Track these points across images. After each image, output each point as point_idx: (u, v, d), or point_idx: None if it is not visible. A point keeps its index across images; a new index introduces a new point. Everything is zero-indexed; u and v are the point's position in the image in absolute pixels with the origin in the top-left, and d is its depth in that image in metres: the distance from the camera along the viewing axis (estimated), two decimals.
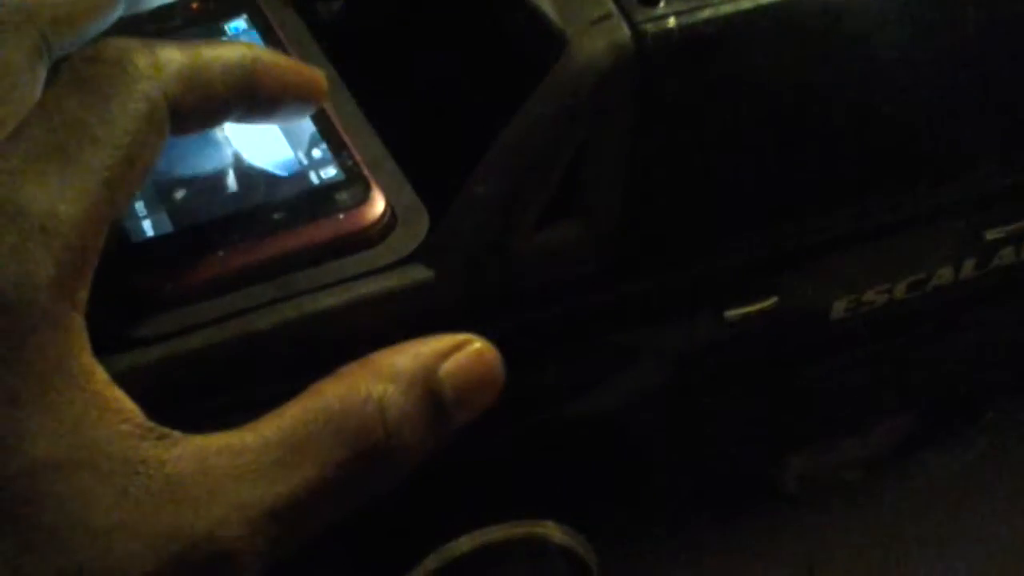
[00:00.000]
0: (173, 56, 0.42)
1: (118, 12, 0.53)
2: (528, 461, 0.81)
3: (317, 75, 0.53)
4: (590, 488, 0.89)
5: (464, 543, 0.81)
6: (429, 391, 0.42)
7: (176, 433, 0.38)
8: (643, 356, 0.76)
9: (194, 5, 0.76)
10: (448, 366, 0.43)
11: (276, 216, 0.61)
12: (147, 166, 0.42)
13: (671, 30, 0.64)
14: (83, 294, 0.40)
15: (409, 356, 0.42)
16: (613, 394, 0.79)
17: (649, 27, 0.64)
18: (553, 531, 0.85)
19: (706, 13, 0.65)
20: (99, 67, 0.40)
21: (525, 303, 0.67)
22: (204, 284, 0.59)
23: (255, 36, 0.74)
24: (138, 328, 0.58)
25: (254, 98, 0.48)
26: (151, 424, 0.38)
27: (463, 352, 0.43)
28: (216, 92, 0.45)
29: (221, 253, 0.60)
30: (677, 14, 0.65)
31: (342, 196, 0.63)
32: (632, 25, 0.64)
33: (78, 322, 0.39)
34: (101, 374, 0.38)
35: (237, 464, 0.37)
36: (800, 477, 1.11)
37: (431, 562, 0.80)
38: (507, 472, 0.81)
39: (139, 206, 0.61)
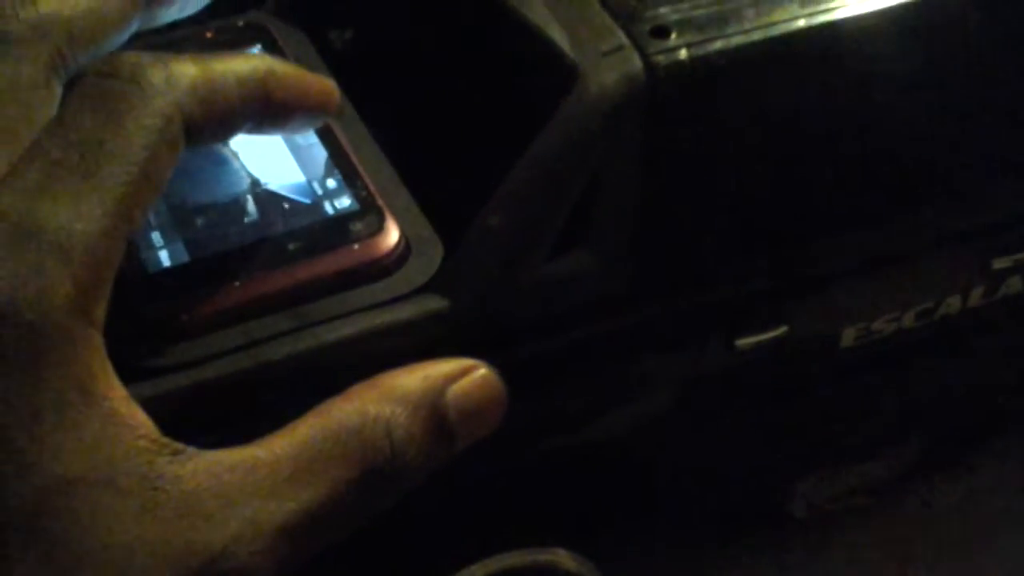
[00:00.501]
0: (187, 70, 0.42)
1: (134, 27, 0.54)
2: (538, 488, 0.81)
3: (329, 85, 0.53)
4: (599, 515, 0.89)
5: (475, 571, 0.81)
6: (435, 414, 0.43)
7: (190, 449, 0.38)
8: (653, 384, 0.77)
9: (208, 33, 0.76)
10: (455, 390, 0.44)
11: (291, 246, 0.61)
12: (163, 181, 0.42)
13: (683, 62, 0.65)
14: (100, 311, 0.40)
15: (418, 379, 0.43)
16: (623, 421, 0.79)
17: (661, 59, 0.64)
18: (563, 558, 0.85)
19: (718, 45, 0.66)
20: (113, 83, 0.41)
21: (537, 332, 0.67)
22: (220, 314, 0.60)
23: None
24: (153, 358, 0.59)
25: (267, 109, 0.48)
26: (166, 440, 0.38)
27: (470, 377, 0.44)
28: (230, 105, 0.45)
29: (237, 283, 0.60)
30: (689, 46, 0.65)
31: (356, 226, 0.63)
32: (644, 57, 0.64)
33: (96, 339, 0.39)
34: (119, 390, 0.39)
35: (250, 480, 0.38)
36: (809, 502, 1.11)
37: None
38: (517, 499, 0.81)
39: (155, 236, 0.61)
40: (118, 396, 0.38)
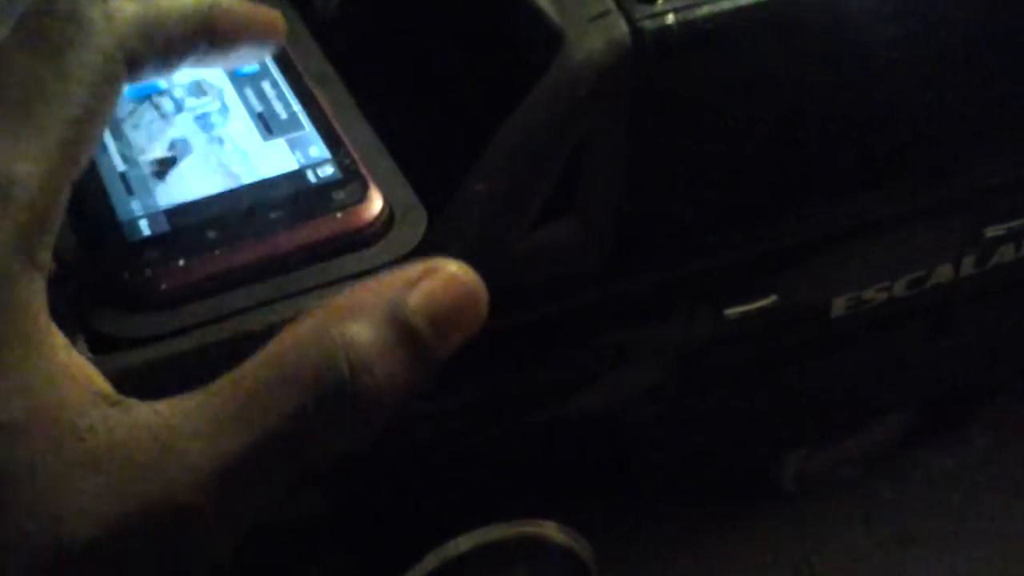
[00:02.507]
0: (126, 6, 0.42)
1: None
2: (527, 461, 0.81)
3: (275, 15, 0.51)
4: (589, 487, 0.89)
5: (463, 542, 0.81)
6: (400, 323, 0.38)
7: (130, 400, 0.37)
8: (642, 354, 0.76)
9: None
10: (418, 294, 0.39)
11: (273, 215, 0.60)
12: (104, 119, 0.41)
13: (669, 26, 0.64)
14: (45, 256, 0.39)
15: (374, 289, 0.39)
16: (612, 392, 0.78)
17: (647, 24, 0.64)
18: (552, 531, 0.85)
19: (704, 10, 0.65)
20: (52, 21, 0.40)
21: (524, 301, 0.66)
22: (200, 284, 0.59)
23: None
24: (134, 328, 0.58)
25: (212, 42, 0.47)
26: (107, 391, 0.37)
27: (435, 278, 0.39)
28: (173, 39, 0.44)
29: (218, 252, 0.59)
30: (675, 11, 0.64)
31: (340, 194, 0.62)
32: (630, 22, 0.64)
33: (39, 283, 0.38)
34: (59, 339, 0.38)
35: (189, 425, 0.36)
36: (799, 475, 1.11)
37: (431, 561, 0.80)
38: (506, 472, 0.81)
39: (136, 206, 0.60)
40: (58, 343, 0.37)
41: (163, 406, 0.36)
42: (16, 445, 0.34)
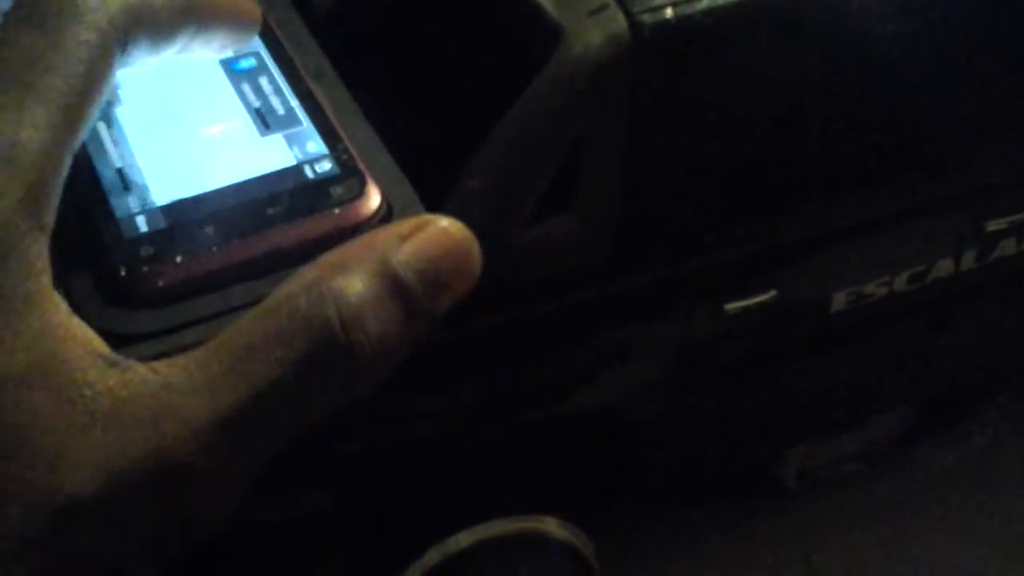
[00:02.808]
0: None
1: None
2: (529, 457, 0.80)
3: (251, 4, 0.52)
4: (590, 484, 0.88)
5: (464, 538, 0.80)
6: (389, 277, 0.38)
7: (129, 360, 0.37)
8: (642, 350, 0.76)
9: None
10: (408, 248, 0.39)
11: (270, 211, 0.60)
12: (101, 95, 0.43)
13: (668, 21, 0.64)
14: (49, 217, 0.40)
15: (363, 245, 0.39)
16: (613, 389, 0.78)
17: (646, 18, 0.63)
18: (553, 527, 0.84)
19: (704, 4, 0.65)
20: (47, 1, 0.42)
21: (522, 298, 0.66)
22: (197, 280, 0.59)
23: None
24: (131, 325, 0.58)
25: (196, 28, 0.49)
26: (105, 352, 0.38)
27: (425, 232, 0.39)
28: (160, 21, 0.46)
29: (215, 249, 0.59)
30: (674, 5, 0.64)
31: (337, 190, 0.62)
32: (629, 16, 0.63)
33: (43, 245, 0.39)
34: (60, 302, 0.39)
35: (185, 381, 0.36)
36: (799, 471, 1.11)
37: (432, 556, 0.80)
38: (508, 468, 0.81)
39: (132, 201, 0.60)
40: (60, 307, 0.38)
41: (161, 365, 0.37)
42: (19, 398, 0.35)
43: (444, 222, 0.37)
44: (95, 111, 0.42)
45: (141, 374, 0.36)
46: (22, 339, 0.36)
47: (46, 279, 0.38)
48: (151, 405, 0.35)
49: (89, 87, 0.41)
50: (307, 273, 0.36)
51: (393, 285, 0.36)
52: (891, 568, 1.13)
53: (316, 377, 0.35)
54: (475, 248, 0.36)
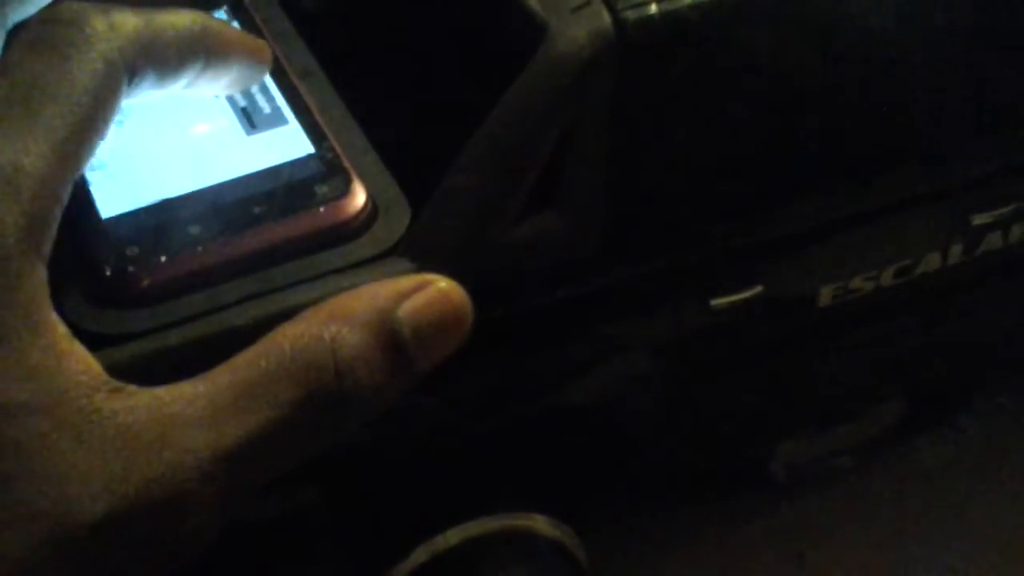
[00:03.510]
0: (128, 19, 0.43)
1: None
2: (517, 454, 0.81)
3: (261, 44, 0.53)
4: (580, 480, 0.89)
5: (453, 536, 0.81)
6: (386, 332, 0.41)
7: (132, 387, 0.38)
8: (630, 346, 0.76)
9: None
10: (408, 307, 0.41)
11: (256, 210, 0.60)
12: (106, 124, 0.43)
13: (653, 17, 0.64)
14: (47, 247, 0.40)
15: (365, 297, 0.41)
16: (601, 385, 0.78)
17: (630, 14, 0.64)
18: (540, 524, 0.84)
19: None
20: (57, 28, 0.42)
21: (508, 295, 0.66)
22: (184, 279, 0.59)
23: (236, 26, 0.73)
24: (117, 324, 0.58)
25: (204, 64, 0.49)
26: (107, 378, 0.38)
27: (424, 292, 0.42)
28: (169, 55, 0.46)
29: (200, 248, 0.59)
30: (659, 0, 0.64)
31: (322, 189, 0.62)
32: (613, 12, 0.64)
33: (42, 273, 0.39)
34: (62, 327, 0.39)
35: (189, 411, 0.38)
36: (790, 464, 1.11)
37: (420, 554, 0.80)
38: (496, 465, 0.81)
39: (118, 201, 0.60)
40: (61, 332, 0.39)
41: (163, 392, 0.38)
42: (24, 424, 0.35)
43: (444, 284, 0.40)
44: (99, 141, 0.42)
45: (144, 401, 0.37)
46: (26, 368, 0.37)
47: (47, 308, 0.38)
48: (155, 432, 0.36)
49: (94, 117, 0.41)
50: (311, 316, 0.39)
51: (389, 339, 0.38)
52: (886, 565, 1.13)
53: (309, 418, 0.37)
54: (469, 311, 0.40)
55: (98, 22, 0.42)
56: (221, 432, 0.36)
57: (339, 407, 0.39)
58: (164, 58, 0.45)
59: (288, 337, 0.39)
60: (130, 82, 0.43)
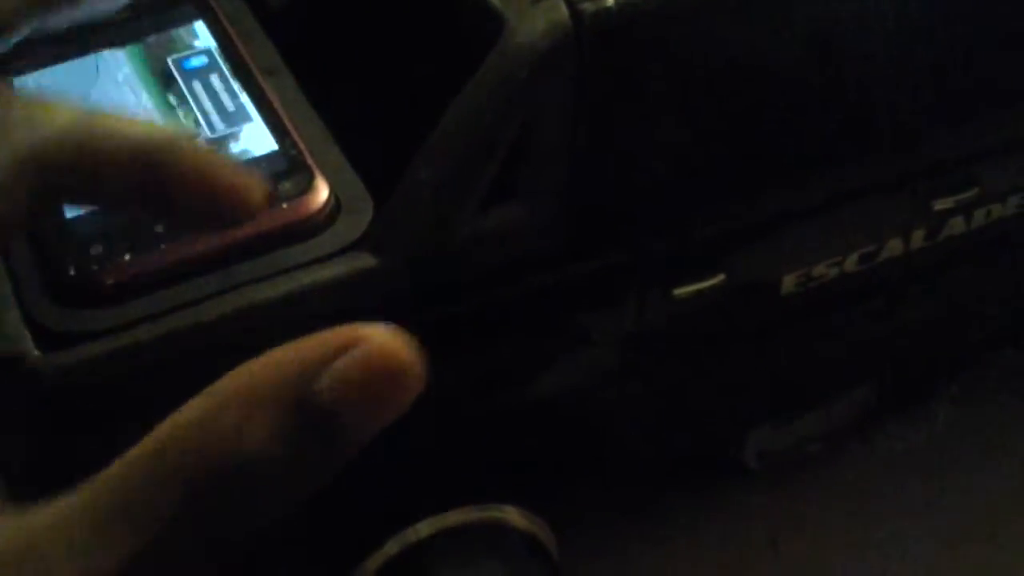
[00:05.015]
0: (58, 116, 0.37)
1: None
2: (487, 445, 0.81)
3: (252, 182, 0.38)
4: (551, 472, 0.89)
5: (424, 528, 0.81)
6: (304, 411, 0.31)
7: (7, 507, 0.33)
8: (594, 336, 0.76)
9: None
10: (332, 373, 0.31)
11: None
12: (15, 224, 0.37)
13: (609, 9, 0.64)
14: None
15: (279, 369, 0.31)
16: (568, 376, 0.79)
17: (588, 6, 0.64)
18: (512, 515, 0.85)
19: None
20: None
21: (472, 288, 0.67)
22: (147, 278, 0.59)
23: (201, 23, 0.74)
24: (81, 323, 0.58)
25: (151, 190, 0.39)
26: None
27: (356, 353, 0.31)
28: (101, 171, 0.38)
29: (164, 246, 0.60)
30: None
31: (285, 185, 0.63)
32: (570, 5, 0.64)
33: None
34: None
35: (62, 538, 0.32)
36: (761, 452, 1.11)
37: (391, 547, 0.80)
38: (466, 457, 0.81)
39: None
40: None
41: (38, 514, 0.31)
42: None
43: (381, 338, 0.31)
44: (5, 240, 0.37)
45: (15, 526, 0.31)
46: None
47: None
48: (30, 567, 0.31)
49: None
50: (208, 401, 0.30)
51: (309, 419, 0.31)
52: (857, 550, 1.13)
53: (217, 517, 0.30)
54: (414, 364, 0.31)
55: (16, 112, 0.36)
56: (95, 562, 0.30)
57: (254, 499, 0.31)
58: (95, 172, 0.38)
59: (185, 423, 0.30)
60: (47, 186, 0.37)
